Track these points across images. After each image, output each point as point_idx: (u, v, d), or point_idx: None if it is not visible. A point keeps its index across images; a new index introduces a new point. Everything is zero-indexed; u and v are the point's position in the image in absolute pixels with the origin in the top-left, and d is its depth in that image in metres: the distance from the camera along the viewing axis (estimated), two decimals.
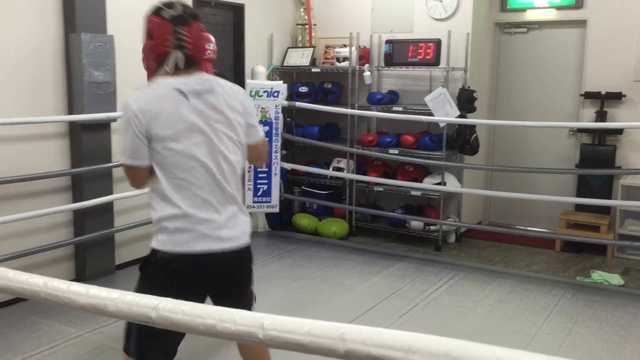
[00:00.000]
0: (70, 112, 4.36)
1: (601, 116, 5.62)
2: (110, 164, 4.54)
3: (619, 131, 5.55)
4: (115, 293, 1.12)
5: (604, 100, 5.61)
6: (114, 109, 4.44)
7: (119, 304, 1.10)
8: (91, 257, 4.54)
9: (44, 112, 4.25)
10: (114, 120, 4.51)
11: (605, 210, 5.55)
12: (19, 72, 4.08)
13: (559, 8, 5.87)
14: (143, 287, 2.14)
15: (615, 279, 4.75)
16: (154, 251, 2.15)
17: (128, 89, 4.67)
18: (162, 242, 2.12)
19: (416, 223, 5.69)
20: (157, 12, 2.19)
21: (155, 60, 2.20)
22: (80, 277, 4.51)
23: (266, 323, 0.99)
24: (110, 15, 4.51)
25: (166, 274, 2.13)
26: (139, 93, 2.19)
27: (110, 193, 4.56)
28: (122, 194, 4.60)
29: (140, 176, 2.16)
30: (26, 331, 3.68)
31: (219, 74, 2.60)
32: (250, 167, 5.65)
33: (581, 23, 5.78)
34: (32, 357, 3.37)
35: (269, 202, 5.73)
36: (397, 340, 0.89)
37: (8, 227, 3.98)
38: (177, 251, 2.11)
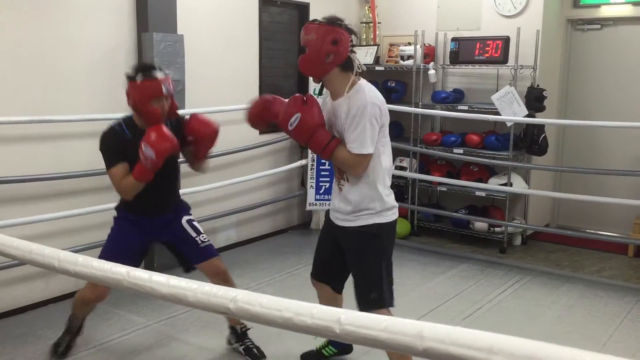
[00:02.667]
0: None
1: None
2: (178, 161, 4.65)
3: None
4: (195, 284, 1.15)
5: None
6: (182, 107, 4.55)
7: (198, 294, 1.12)
8: (159, 250, 4.65)
9: (117, 110, 4.40)
10: (183, 117, 4.63)
11: None
12: (95, 71, 4.25)
13: (635, 4, 5.62)
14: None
15: None
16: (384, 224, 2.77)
17: (197, 87, 4.79)
18: (388, 217, 2.77)
19: (480, 224, 5.57)
20: (336, 22, 2.66)
21: (336, 64, 2.61)
22: (148, 269, 4.65)
23: (343, 318, 0.99)
24: (180, 15, 4.64)
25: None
26: (369, 90, 2.65)
27: None
28: (189, 190, 4.71)
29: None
30: (98, 319, 3.82)
31: None
32: (312, 166, 5.68)
33: None
34: (103, 344, 3.51)
35: (331, 200, 5.73)
36: (478, 340, 0.87)
37: (82, 220, 4.16)
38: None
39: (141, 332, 3.67)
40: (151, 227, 3.15)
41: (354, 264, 2.82)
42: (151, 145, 2.82)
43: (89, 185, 4.22)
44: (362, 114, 2.57)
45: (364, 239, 2.75)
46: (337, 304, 3.05)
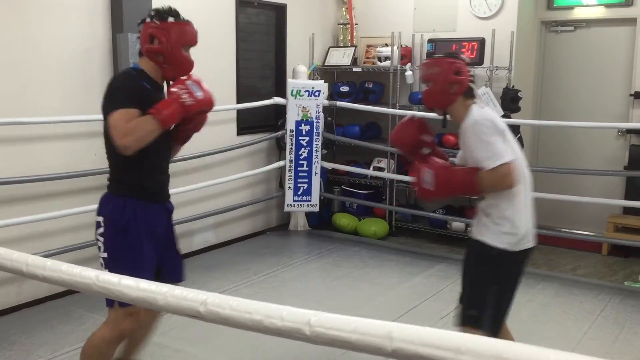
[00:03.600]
0: None
1: None
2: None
3: None
4: (164, 287, 1.14)
5: None
6: None
7: (168, 297, 1.12)
8: None
9: (92, 111, 4.35)
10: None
11: None
12: (68, 71, 4.20)
13: (608, 6, 5.71)
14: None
15: None
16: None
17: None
18: (515, 244, 2.57)
19: (457, 224, 5.61)
20: (454, 55, 2.71)
21: (460, 93, 2.63)
22: None
23: (313, 320, 0.99)
24: None
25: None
26: (477, 110, 2.59)
27: None
28: None
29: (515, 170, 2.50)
30: (73, 324, 3.78)
31: None
32: (291, 167, 5.68)
33: (631, 21, 5.62)
34: (78, 349, 3.45)
35: (309, 201, 5.74)
36: (446, 340, 0.88)
37: (56, 223, 4.10)
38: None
39: None
40: (162, 216, 2.62)
41: (467, 275, 2.73)
42: (199, 85, 2.48)
43: (62, 188, 4.17)
44: (474, 133, 2.52)
45: (481, 257, 2.62)
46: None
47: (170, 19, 2.50)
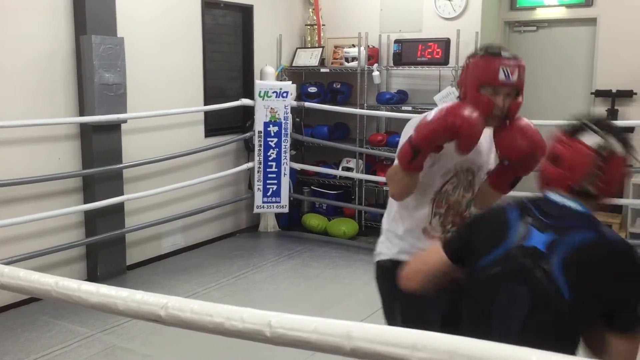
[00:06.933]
0: (81, 114, 4.40)
1: (612, 114, 5.58)
2: (121, 165, 4.57)
3: (630, 129, 5.49)
4: (125, 292, 1.13)
5: (615, 99, 5.57)
6: (124, 110, 4.47)
7: (129, 302, 1.11)
8: (103, 258, 4.57)
9: (55, 114, 4.29)
10: (125, 121, 4.54)
11: (617, 209, 5.51)
12: (30, 74, 4.12)
13: (569, 6, 5.84)
14: None
15: None
16: None
17: (139, 91, 4.70)
18: None
19: None
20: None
21: None
22: (92, 277, 4.54)
23: (273, 321, 1.00)
24: (120, 17, 4.55)
25: None
26: None
27: (121, 194, 4.59)
28: (133, 195, 4.63)
29: None
30: (38, 331, 3.71)
31: None
32: (259, 168, 5.66)
33: (591, 21, 5.75)
34: (43, 357, 3.40)
35: (279, 202, 5.74)
36: (403, 337, 0.89)
37: (20, 229, 4.02)
38: None
39: (84, 343, 3.57)
40: None
41: None
42: None
43: (25, 193, 4.09)
44: None
45: None
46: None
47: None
